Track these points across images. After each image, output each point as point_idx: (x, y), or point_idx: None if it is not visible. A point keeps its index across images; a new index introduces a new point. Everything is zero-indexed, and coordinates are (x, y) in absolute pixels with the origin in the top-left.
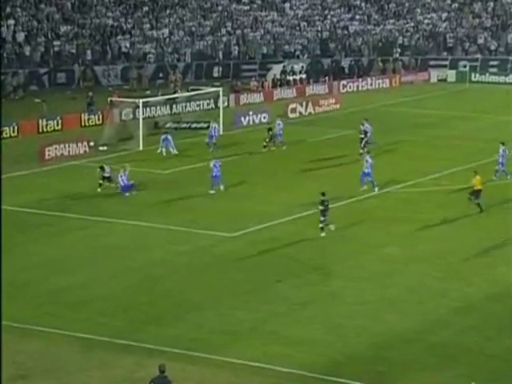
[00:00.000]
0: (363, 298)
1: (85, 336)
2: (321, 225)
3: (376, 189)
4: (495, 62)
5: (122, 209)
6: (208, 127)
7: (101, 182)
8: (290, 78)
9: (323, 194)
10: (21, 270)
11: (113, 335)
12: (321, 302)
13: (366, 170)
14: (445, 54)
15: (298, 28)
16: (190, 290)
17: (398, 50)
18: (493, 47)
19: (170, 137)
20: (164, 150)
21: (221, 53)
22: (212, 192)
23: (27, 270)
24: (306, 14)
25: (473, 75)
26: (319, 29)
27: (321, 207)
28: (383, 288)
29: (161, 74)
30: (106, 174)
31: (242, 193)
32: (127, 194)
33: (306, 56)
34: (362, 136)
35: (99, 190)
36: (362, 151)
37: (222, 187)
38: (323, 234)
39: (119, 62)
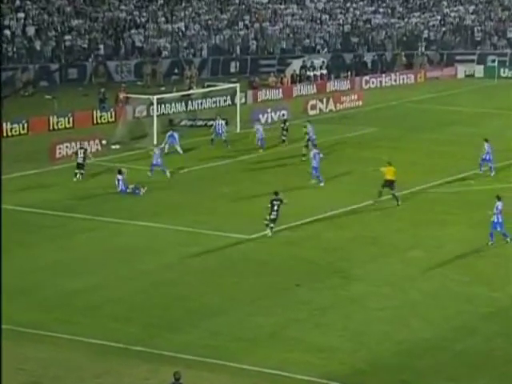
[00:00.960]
0: (385, 304)
1: (96, 342)
2: (265, 222)
3: (322, 183)
4: None
5: (133, 209)
6: (226, 124)
7: (76, 171)
8: (310, 73)
9: (276, 193)
10: (29, 273)
11: (125, 341)
12: (341, 307)
13: (315, 165)
14: (473, 48)
15: (318, 21)
16: (205, 295)
17: (424, 44)
18: None
19: (176, 134)
20: (167, 146)
21: (238, 47)
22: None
23: (35, 272)
24: (327, 6)
25: (502, 70)
26: (341, 22)
27: (269, 205)
28: (406, 293)
29: (176, 70)
30: (79, 160)
31: (256, 193)
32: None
33: (326, 51)
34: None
35: (75, 179)
36: (305, 152)
37: (167, 174)
38: (270, 233)
39: (133, 58)
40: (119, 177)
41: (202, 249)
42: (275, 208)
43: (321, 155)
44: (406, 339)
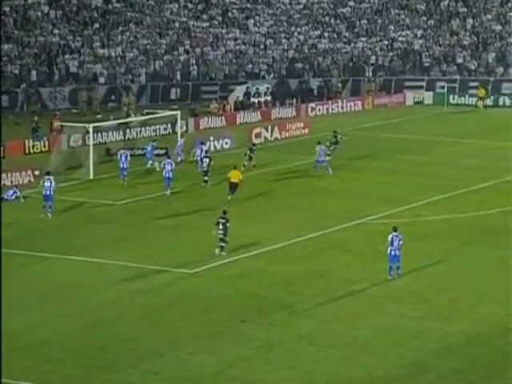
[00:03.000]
0: (335, 340)
1: None
2: (221, 243)
3: (167, 192)
4: (475, 83)
5: (71, 243)
6: (165, 154)
7: None
8: (255, 100)
9: (224, 212)
10: None
11: (59, 383)
12: (289, 344)
13: (167, 175)
14: (422, 74)
15: (262, 46)
16: (146, 333)
17: (371, 69)
18: (472, 67)
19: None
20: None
21: (178, 73)
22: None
23: None
24: (270, 31)
25: (451, 97)
26: (285, 47)
27: (216, 226)
28: (357, 329)
29: (113, 97)
30: None
31: (201, 225)
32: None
33: (271, 76)
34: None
35: None
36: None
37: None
38: (217, 252)
39: (67, 84)
40: (48, 180)
41: (143, 285)
42: (220, 227)
43: (173, 166)
44: (357, 377)
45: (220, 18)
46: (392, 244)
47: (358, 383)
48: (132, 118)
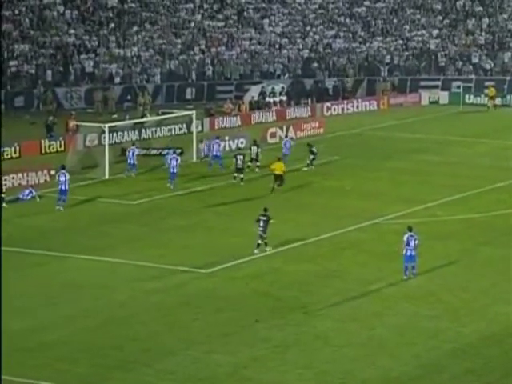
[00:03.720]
0: (351, 340)
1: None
2: (259, 241)
3: (172, 186)
4: (491, 83)
5: (85, 243)
6: (181, 153)
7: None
8: (270, 99)
9: (265, 210)
10: None
11: (74, 383)
12: (304, 344)
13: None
14: (437, 73)
15: (277, 46)
16: (160, 333)
17: (386, 69)
18: (488, 67)
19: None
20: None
21: (194, 73)
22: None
23: None
24: (286, 30)
25: (467, 97)
26: (300, 47)
27: (257, 223)
28: (372, 329)
29: (128, 97)
30: None
31: (217, 225)
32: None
33: (286, 76)
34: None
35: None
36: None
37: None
38: (256, 251)
39: (83, 84)
40: (63, 174)
41: (157, 284)
42: (261, 224)
43: (178, 161)
44: (372, 377)
45: (235, 18)
46: (408, 244)
47: (373, 383)
48: (147, 118)
